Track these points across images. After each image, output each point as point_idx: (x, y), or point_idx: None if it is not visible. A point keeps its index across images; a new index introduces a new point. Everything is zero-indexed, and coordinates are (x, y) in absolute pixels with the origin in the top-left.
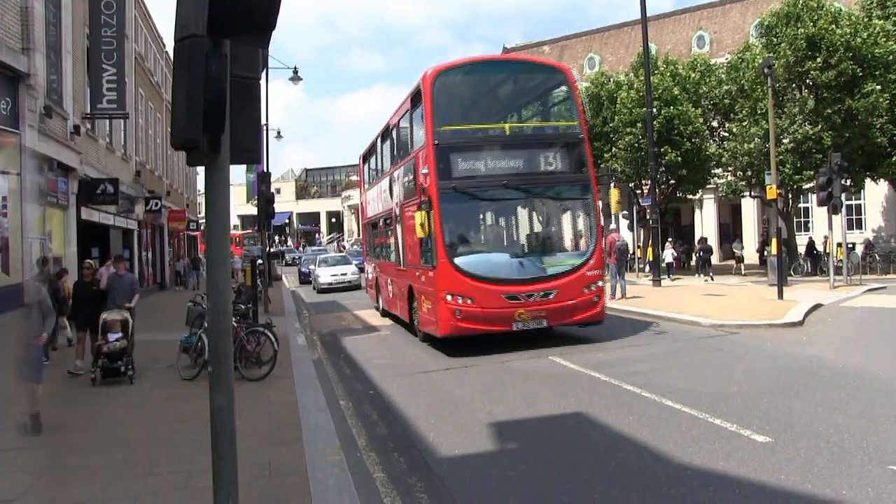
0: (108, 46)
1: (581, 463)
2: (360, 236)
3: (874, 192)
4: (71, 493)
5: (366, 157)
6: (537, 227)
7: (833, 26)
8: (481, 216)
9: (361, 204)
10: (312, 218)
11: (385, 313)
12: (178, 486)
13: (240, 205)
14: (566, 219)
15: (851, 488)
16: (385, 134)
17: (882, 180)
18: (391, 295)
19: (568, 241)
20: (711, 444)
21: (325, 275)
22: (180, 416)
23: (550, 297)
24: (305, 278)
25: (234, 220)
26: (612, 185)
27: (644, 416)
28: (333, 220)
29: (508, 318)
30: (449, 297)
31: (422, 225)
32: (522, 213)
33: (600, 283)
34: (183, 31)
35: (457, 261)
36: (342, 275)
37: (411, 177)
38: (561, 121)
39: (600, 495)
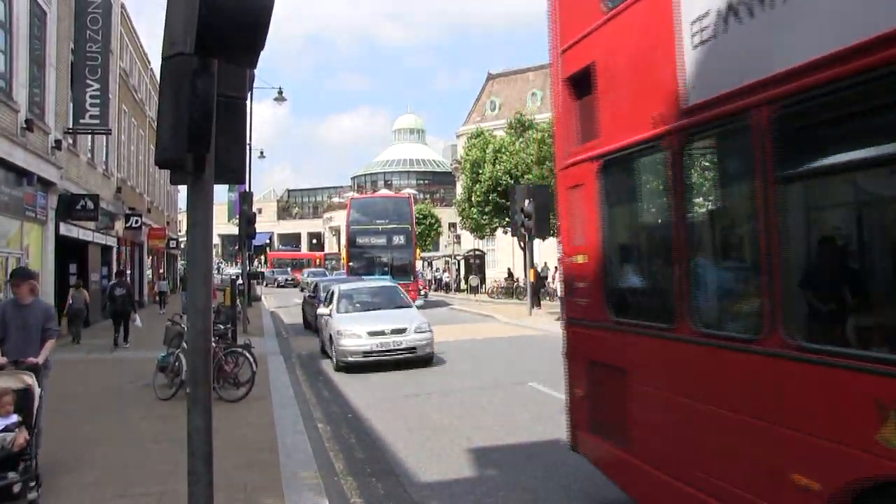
0: (92, 62)
1: (559, 489)
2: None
3: None
4: None
5: None
6: None
7: None
8: None
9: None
10: (293, 239)
11: None
12: None
13: (220, 224)
14: None
15: None
16: None
17: None
18: None
19: None
20: None
21: (359, 333)
22: (155, 436)
23: None
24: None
25: (214, 240)
26: None
27: None
28: (314, 241)
29: None
30: None
31: None
32: None
33: None
34: (171, 49)
35: None
36: (395, 332)
37: None
38: None
39: None
